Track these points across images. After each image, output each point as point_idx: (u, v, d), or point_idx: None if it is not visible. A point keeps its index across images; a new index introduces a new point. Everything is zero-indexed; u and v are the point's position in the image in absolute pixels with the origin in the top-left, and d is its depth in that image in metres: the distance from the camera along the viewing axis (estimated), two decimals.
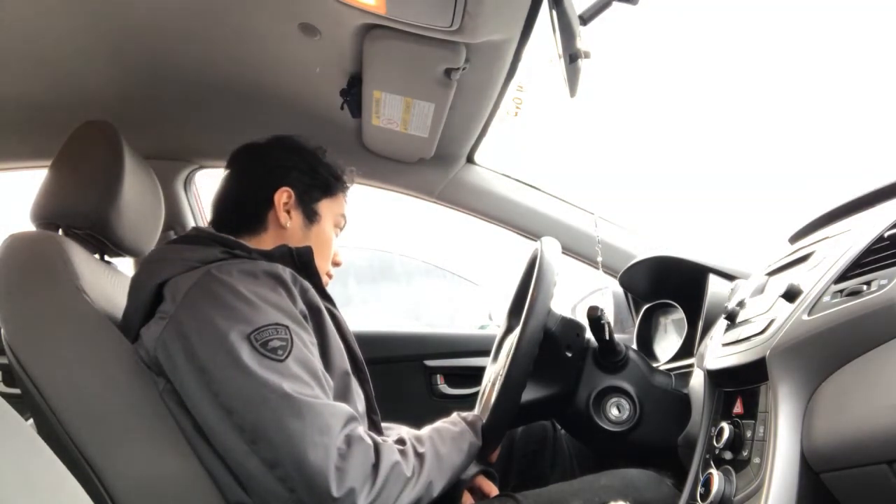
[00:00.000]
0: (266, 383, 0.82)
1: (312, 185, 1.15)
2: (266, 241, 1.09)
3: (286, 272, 0.95)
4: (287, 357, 0.84)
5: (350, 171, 1.22)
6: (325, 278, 1.12)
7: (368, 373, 1.07)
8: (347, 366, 0.99)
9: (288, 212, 1.11)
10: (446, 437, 1.00)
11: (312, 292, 0.99)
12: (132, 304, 0.99)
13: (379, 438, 0.88)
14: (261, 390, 0.81)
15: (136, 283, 1.00)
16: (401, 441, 0.93)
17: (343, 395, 0.95)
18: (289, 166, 1.14)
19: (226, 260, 0.97)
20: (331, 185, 1.17)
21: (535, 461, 1.29)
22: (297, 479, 0.78)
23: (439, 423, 1.05)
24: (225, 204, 1.14)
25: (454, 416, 1.09)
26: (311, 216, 1.14)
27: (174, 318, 0.89)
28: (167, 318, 0.90)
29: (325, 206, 1.16)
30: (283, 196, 1.11)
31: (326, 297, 1.06)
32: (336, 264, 1.21)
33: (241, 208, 1.12)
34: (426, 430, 1.02)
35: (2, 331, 0.95)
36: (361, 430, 0.86)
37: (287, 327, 0.88)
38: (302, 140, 1.18)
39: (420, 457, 0.91)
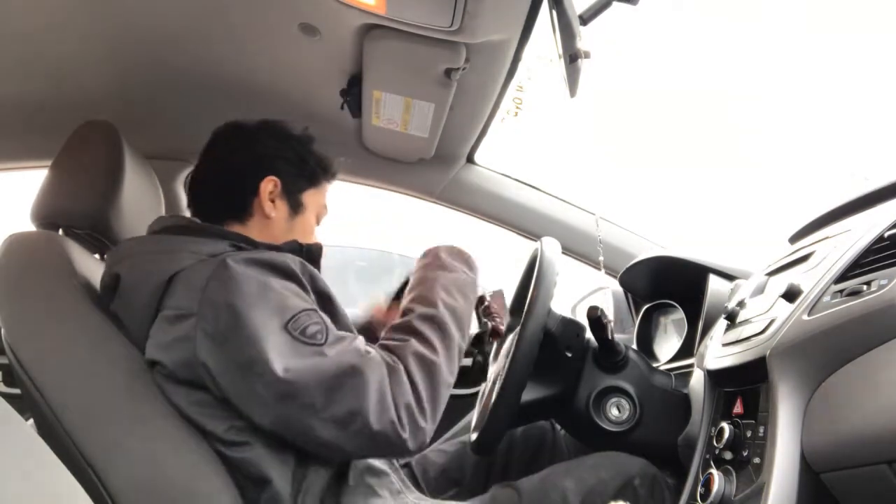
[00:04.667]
0: (314, 365, 0.87)
1: (299, 174, 1.13)
2: (251, 230, 1.08)
3: (295, 263, 0.96)
4: (326, 339, 0.90)
5: (338, 162, 1.20)
6: None
7: None
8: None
9: (273, 201, 1.10)
10: (453, 289, 1.05)
11: (321, 279, 1.00)
12: (137, 298, 0.94)
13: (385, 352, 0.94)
14: (312, 371, 0.87)
15: (139, 275, 0.95)
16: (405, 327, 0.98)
17: None
18: (276, 154, 1.12)
19: (234, 252, 0.96)
20: (317, 175, 1.15)
21: (535, 462, 1.29)
22: (371, 421, 0.86)
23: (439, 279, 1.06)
24: (207, 189, 1.11)
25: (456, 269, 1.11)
26: (296, 207, 1.12)
27: (201, 320, 0.88)
28: (191, 318, 0.88)
29: (309, 197, 1.14)
30: (269, 185, 1.09)
31: None
32: None
33: (225, 195, 1.10)
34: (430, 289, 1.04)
35: (2, 331, 0.95)
36: (381, 354, 0.93)
37: (315, 310, 0.93)
38: (290, 127, 1.16)
39: (433, 323, 0.98)
